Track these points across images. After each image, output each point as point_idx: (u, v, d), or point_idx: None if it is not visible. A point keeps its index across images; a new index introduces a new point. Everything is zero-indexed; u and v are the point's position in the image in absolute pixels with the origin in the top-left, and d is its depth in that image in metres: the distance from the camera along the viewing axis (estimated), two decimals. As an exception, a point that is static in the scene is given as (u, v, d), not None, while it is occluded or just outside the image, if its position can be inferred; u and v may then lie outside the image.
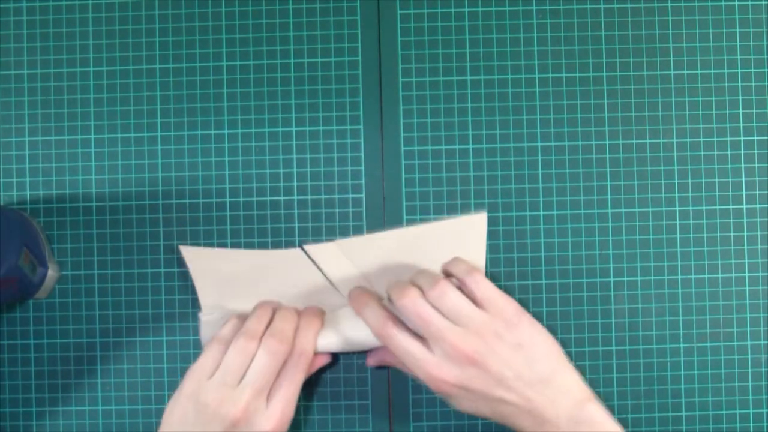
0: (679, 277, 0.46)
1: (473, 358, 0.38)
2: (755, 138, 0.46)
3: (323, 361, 0.44)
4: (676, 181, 0.46)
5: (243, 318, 0.43)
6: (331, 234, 0.46)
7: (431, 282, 0.40)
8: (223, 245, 0.46)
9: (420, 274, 0.42)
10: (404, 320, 0.40)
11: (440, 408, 0.46)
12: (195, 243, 0.46)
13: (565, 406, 0.38)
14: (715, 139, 0.46)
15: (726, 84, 0.46)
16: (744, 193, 0.46)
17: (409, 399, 0.46)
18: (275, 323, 0.42)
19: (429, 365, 0.39)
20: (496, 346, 0.39)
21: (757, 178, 0.46)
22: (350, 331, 0.43)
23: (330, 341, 0.43)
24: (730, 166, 0.46)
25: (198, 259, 0.45)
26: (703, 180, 0.46)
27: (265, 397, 0.40)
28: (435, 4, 0.47)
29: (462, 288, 0.41)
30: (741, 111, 0.46)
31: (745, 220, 0.46)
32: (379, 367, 0.46)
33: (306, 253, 0.45)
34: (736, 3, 0.47)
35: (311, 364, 0.43)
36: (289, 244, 0.46)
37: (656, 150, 0.46)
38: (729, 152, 0.46)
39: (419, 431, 0.46)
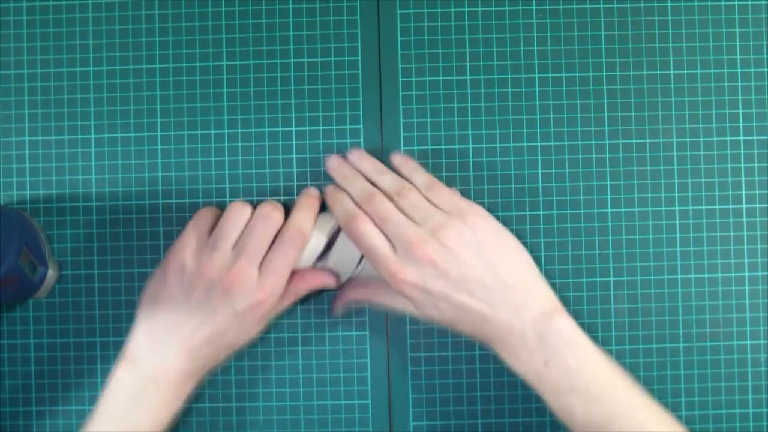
0: (679, 277, 0.46)
1: (431, 257, 0.38)
2: (755, 138, 0.46)
3: (323, 280, 0.43)
4: (676, 181, 0.46)
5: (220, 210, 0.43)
6: (331, 234, 0.46)
7: (394, 184, 0.41)
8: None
9: (383, 175, 0.42)
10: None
11: (440, 408, 0.46)
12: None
13: (531, 316, 0.38)
14: (715, 139, 0.46)
15: (726, 84, 0.46)
16: (744, 193, 0.46)
17: (409, 399, 0.46)
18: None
19: (390, 262, 0.39)
20: (455, 246, 0.38)
21: (757, 178, 0.46)
22: (340, 242, 0.42)
23: (320, 241, 0.42)
24: (730, 166, 0.46)
25: None
26: (703, 180, 0.46)
27: (257, 266, 0.40)
28: (435, 4, 0.47)
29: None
30: (741, 111, 0.46)
31: (745, 220, 0.46)
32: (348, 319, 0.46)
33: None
34: (736, 3, 0.47)
35: (312, 278, 0.42)
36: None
37: (656, 150, 0.46)
38: (729, 152, 0.46)
39: (419, 431, 0.46)
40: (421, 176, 0.43)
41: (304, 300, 0.45)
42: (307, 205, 0.43)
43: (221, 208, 0.43)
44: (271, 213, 0.41)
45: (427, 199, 0.41)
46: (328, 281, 0.43)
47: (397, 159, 0.44)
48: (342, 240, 0.42)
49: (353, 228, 0.40)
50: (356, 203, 0.42)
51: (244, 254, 0.40)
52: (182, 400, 0.41)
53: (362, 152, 0.45)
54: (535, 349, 0.37)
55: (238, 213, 0.41)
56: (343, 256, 0.43)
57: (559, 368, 0.37)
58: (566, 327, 0.38)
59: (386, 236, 0.40)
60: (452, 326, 0.40)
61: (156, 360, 0.39)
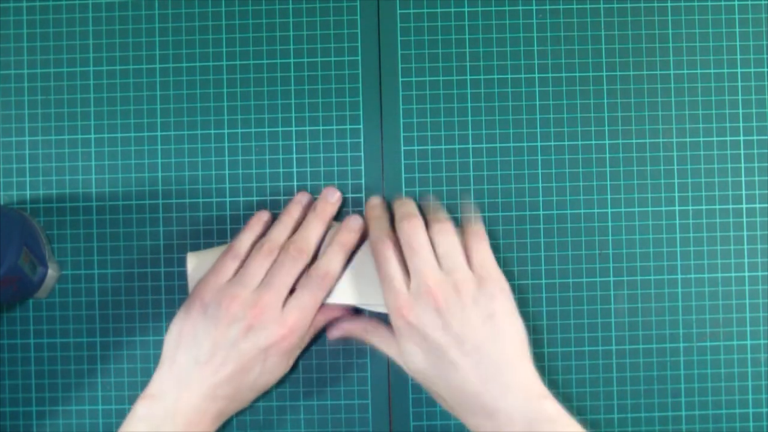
0: (679, 277, 0.46)
1: (440, 305, 0.38)
2: (755, 138, 0.46)
3: (341, 315, 0.43)
4: (676, 181, 0.46)
5: (254, 231, 0.43)
6: (331, 234, 0.46)
7: (438, 219, 0.41)
8: (224, 245, 0.45)
9: (433, 209, 0.43)
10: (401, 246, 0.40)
11: (440, 408, 0.46)
12: (195, 243, 0.46)
13: (519, 399, 0.36)
14: (715, 139, 0.46)
15: (726, 84, 0.46)
16: (744, 193, 0.46)
17: (409, 399, 0.46)
18: (299, 232, 0.42)
19: (400, 296, 0.39)
20: (468, 306, 0.38)
21: (757, 178, 0.46)
22: (363, 280, 0.42)
23: (346, 289, 0.42)
24: (730, 166, 0.46)
25: (199, 267, 0.44)
26: (703, 180, 0.46)
27: (282, 302, 0.40)
28: (435, 4, 0.47)
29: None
30: (741, 111, 0.46)
31: (745, 220, 0.46)
32: (345, 341, 0.46)
33: None
34: (736, 3, 0.47)
35: (331, 311, 0.43)
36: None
37: (656, 150, 0.46)
38: (729, 152, 0.46)
39: (419, 431, 0.46)
40: (472, 224, 0.43)
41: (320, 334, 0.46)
42: (342, 243, 0.42)
43: (274, 213, 0.44)
44: (299, 255, 0.41)
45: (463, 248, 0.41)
46: (345, 318, 0.44)
47: (466, 206, 0.45)
48: (363, 254, 0.43)
49: (380, 249, 0.40)
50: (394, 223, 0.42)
51: (269, 290, 0.40)
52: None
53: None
54: (523, 429, 0.36)
55: (267, 252, 0.41)
56: (360, 270, 0.43)
57: None
58: (555, 412, 0.37)
59: (407, 266, 0.40)
60: (435, 385, 0.39)
61: (177, 397, 0.38)
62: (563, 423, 0.36)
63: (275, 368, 0.41)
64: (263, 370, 0.40)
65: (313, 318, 0.42)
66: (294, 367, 0.44)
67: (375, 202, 0.44)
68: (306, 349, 0.45)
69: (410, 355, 0.39)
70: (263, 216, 0.44)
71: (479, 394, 0.37)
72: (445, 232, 0.41)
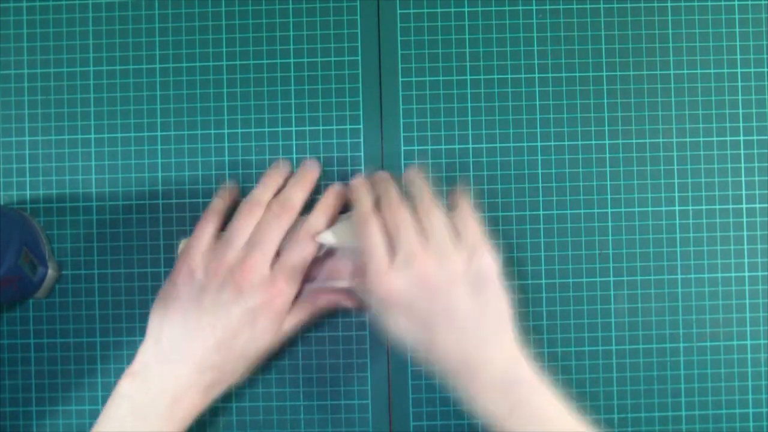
0: (679, 277, 0.46)
1: (428, 279, 0.38)
2: (755, 138, 0.46)
3: (344, 299, 0.43)
4: (676, 181, 0.46)
5: (226, 197, 0.43)
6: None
7: (423, 197, 0.41)
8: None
9: (417, 189, 0.42)
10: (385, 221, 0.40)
11: (440, 408, 0.46)
12: (195, 243, 0.46)
13: (501, 360, 0.38)
14: (715, 139, 0.46)
15: (726, 84, 0.46)
16: (744, 193, 0.46)
17: (409, 399, 0.46)
18: (282, 192, 0.42)
19: (382, 266, 0.38)
20: (456, 281, 0.38)
21: (757, 178, 0.46)
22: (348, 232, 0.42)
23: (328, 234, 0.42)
24: (730, 166, 0.46)
25: None
26: (703, 180, 0.46)
27: (269, 262, 0.39)
28: (435, 4, 0.47)
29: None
30: (741, 111, 0.46)
31: (745, 220, 0.46)
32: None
33: None
34: (736, 3, 0.47)
35: (334, 295, 0.42)
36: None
37: (656, 150, 0.46)
38: (729, 152, 0.46)
39: (419, 431, 0.46)
40: (459, 200, 0.42)
41: (319, 322, 0.45)
42: (326, 206, 0.43)
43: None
44: (283, 212, 0.41)
45: (449, 221, 0.40)
46: (348, 302, 0.43)
47: (455, 193, 0.44)
48: (345, 224, 0.43)
49: (364, 224, 0.40)
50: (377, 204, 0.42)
51: (256, 249, 0.39)
52: (189, 418, 0.39)
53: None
54: (502, 393, 0.37)
55: (248, 211, 0.41)
56: (344, 229, 0.42)
57: (523, 416, 0.37)
58: (532, 376, 0.38)
59: (391, 242, 0.39)
60: (418, 346, 0.39)
61: (163, 372, 0.38)
62: (538, 386, 0.37)
63: (264, 333, 0.40)
64: (252, 336, 0.39)
65: (310, 293, 0.41)
66: (280, 354, 0.44)
67: (359, 182, 0.44)
68: (302, 332, 0.45)
69: (395, 321, 0.39)
70: (234, 188, 0.44)
71: (467, 355, 0.38)
72: (430, 210, 0.40)
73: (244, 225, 0.41)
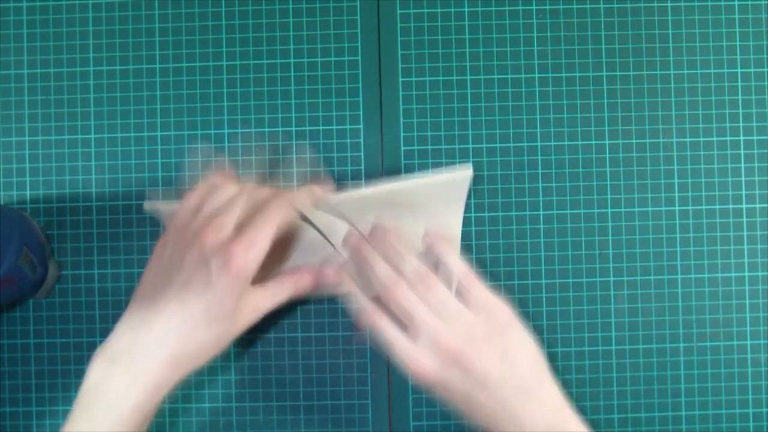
0: (679, 277, 0.46)
1: (456, 356, 0.38)
2: (755, 138, 0.46)
3: (332, 280, 0.42)
4: (676, 181, 0.46)
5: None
6: (331, 234, 0.46)
7: (418, 276, 0.40)
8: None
9: (408, 265, 0.41)
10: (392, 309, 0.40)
11: (440, 408, 0.46)
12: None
13: (544, 417, 0.38)
14: (715, 139, 0.46)
15: (726, 84, 0.46)
16: (744, 193, 0.46)
17: (409, 399, 0.46)
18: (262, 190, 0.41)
19: (410, 357, 0.38)
20: (483, 348, 0.38)
21: (757, 178, 0.46)
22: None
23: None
24: (730, 166, 0.46)
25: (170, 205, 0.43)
26: (703, 180, 0.46)
27: (233, 224, 0.38)
28: (435, 4, 0.47)
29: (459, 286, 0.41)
30: (741, 111, 0.46)
31: (745, 220, 0.46)
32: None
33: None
34: (736, 3, 0.47)
35: (321, 274, 0.42)
36: (289, 244, 0.46)
37: (656, 150, 0.46)
38: (729, 152, 0.46)
39: (419, 431, 0.46)
40: (454, 262, 0.41)
41: (304, 302, 0.45)
42: (310, 190, 0.41)
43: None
44: (257, 189, 0.40)
45: (457, 292, 0.40)
46: (336, 284, 0.42)
47: (429, 238, 0.43)
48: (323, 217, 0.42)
49: (372, 325, 0.40)
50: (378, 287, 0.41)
51: (221, 213, 0.38)
52: (163, 392, 0.37)
53: (385, 229, 0.43)
54: None
55: (226, 186, 0.40)
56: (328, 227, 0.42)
57: None
58: (577, 426, 0.38)
59: (403, 319, 0.39)
60: (463, 415, 0.40)
61: (134, 348, 0.37)
62: None
63: (225, 295, 0.37)
64: (213, 299, 0.37)
65: (297, 271, 0.41)
66: (281, 355, 0.43)
67: (354, 241, 0.43)
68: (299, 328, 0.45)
69: (439, 397, 0.40)
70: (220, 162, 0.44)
71: (507, 422, 0.38)
72: (427, 286, 0.40)
73: (218, 196, 0.39)
